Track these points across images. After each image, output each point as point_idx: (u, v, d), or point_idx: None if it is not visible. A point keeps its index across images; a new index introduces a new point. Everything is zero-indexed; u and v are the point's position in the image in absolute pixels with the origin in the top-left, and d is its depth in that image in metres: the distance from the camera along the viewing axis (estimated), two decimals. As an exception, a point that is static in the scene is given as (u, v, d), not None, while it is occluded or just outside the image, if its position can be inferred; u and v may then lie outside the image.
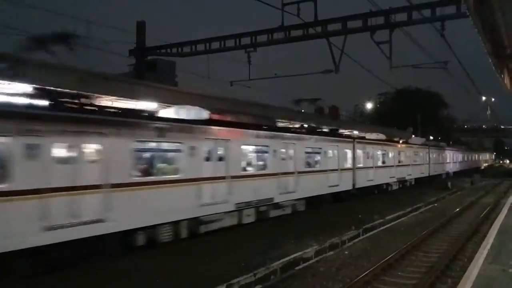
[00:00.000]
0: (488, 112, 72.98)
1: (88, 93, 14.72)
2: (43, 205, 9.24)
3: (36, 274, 9.25)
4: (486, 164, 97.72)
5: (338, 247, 13.87)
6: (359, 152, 25.81)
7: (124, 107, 14.72)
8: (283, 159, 18.04)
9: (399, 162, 33.00)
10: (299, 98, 27.03)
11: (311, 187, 19.86)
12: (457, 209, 23.07)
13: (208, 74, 23.04)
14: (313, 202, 20.14)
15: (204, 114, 14.45)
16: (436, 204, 26.04)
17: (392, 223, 18.64)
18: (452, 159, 55.96)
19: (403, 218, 20.19)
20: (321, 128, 24.04)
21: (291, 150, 18.64)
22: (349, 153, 24.58)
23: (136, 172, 11.76)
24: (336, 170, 22.53)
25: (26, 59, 13.65)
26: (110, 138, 10.78)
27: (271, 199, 16.97)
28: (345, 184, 23.58)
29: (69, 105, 10.89)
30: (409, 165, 35.49)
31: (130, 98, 15.97)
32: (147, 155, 12.52)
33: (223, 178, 14.53)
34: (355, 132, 30.63)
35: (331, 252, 13.18)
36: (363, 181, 25.95)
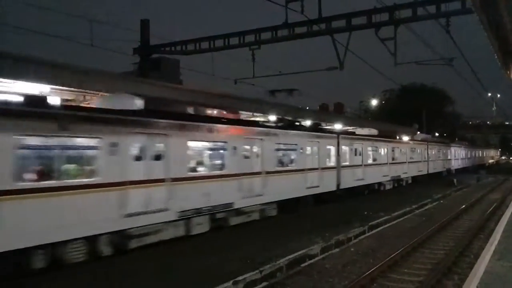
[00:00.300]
0: (494, 108, 72.58)
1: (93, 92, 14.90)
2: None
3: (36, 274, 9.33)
4: (492, 161, 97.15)
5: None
6: (344, 148, 23.63)
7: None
8: (247, 157, 15.90)
9: (393, 159, 31.13)
10: (274, 89, 24.25)
11: (284, 189, 17.61)
12: (463, 206, 22.98)
13: (213, 72, 23.05)
14: (287, 205, 17.98)
15: (136, 103, 12.26)
16: (442, 201, 25.95)
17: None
18: (454, 156, 53.63)
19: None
20: (299, 122, 21.42)
21: (257, 147, 16.47)
22: (332, 150, 22.38)
23: (22, 175, 9.22)
24: (316, 169, 20.35)
25: (31, 57, 13.76)
26: None
27: (230, 204, 14.74)
28: (327, 184, 21.33)
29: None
30: (404, 162, 33.66)
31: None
32: (45, 153, 9.84)
33: (161, 181, 12.12)
34: (339, 127, 27.28)
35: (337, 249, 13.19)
36: (349, 181, 23.75)
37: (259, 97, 24.03)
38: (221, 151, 14.90)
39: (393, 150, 31.27)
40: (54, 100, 11.18)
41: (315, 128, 22.22)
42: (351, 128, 30.15)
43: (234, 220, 15.15)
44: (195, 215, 13.32)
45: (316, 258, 12.11)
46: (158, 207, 11.95)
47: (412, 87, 67.00)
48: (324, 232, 14.34)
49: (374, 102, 66.89)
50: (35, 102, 9.95)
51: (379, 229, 16.62)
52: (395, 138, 33.12)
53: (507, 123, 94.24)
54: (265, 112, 21.54)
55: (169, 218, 12.36)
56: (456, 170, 52.88)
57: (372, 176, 27.11)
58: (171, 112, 13.46)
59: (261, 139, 16.60)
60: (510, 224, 13.92)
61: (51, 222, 9.41)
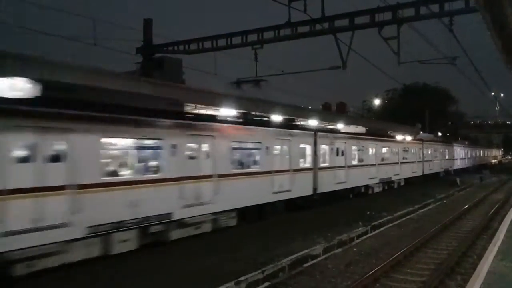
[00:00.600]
0: (497, 107, 72.40)
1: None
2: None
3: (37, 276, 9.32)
4: (495, 161, 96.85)
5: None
6: (323, 148, 21.19)
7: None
8: (192, 158, 13.52)
9: (382, 160, 28.59)
10: (240, 78, 21.76)
11: (244, 194, 15.30)
12: (466, 206, 22.91)
13: (215, 72, 23.02)
14: (249, 213, 15.92)
15: (27, 89, 9.48)
16: (444, 200, 25.88)
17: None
18: (453, 156, 51.06)
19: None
20: (266, 117, 18.18)
21: (207, 146, 14.16)
22: (308, 149, 19.93)
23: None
24: (287, 171, 17.93)
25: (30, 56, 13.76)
26: None
27: (168, 215, 12.24)
28: (301, 188, 18.93)
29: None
30: (396, 163, 31.19)
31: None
32: None
33: (60, 189, 9.77)
34: (314, 123, 23.64)
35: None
36: (329, 184, 21.26)
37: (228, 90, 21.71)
38: (156, 150, 12.46)
39: (382, 150, 29.00)
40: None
41: (287, 124, 19.19)
42: (335, 125, 26.93)
43: (176, 234, 12.73)
44: (115, 229, 10.87)
45: (319, 258, 12.09)
46: (55, 221, 9.53)
47: (415, 87, 66.86)
48: (326, 232, 14.33)
49: (377, 102, 66.78)
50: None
51: (382, 229, 16.58)
52: (386, 136, 30.79)
53: (511, 122, 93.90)
54: (218, 105, 17.98)
55: (72, 236, 9.92)
56: (455, 170, 50.79)
57: (357, 179, 24.53)
58: (83, 100, 10.74)
59: (212, 136, 14.22)
60: (514, 224, 13.86)
61: None
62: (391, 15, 17.32)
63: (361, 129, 26.48)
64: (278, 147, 17.62)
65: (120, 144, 11.75)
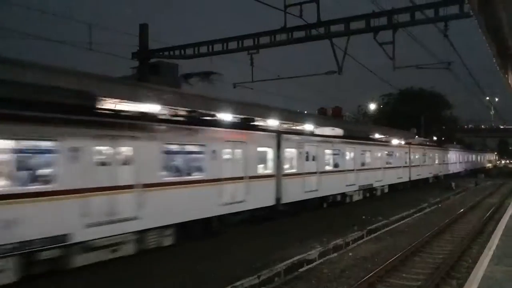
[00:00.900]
0: (492, 112, 72.92)
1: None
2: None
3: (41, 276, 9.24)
4: (489, 165, 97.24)
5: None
6: (290, 151, 18.63)
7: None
8: (104, 164, 10.84)
9: (362, 165, 25.86)
10: (188, 72, 19.59)
11: (183, 207, 12.75)
12: (461, 210, 22.97)
13: (211, 77, 23.04)
14: (192, 229, 13.30)
15: None
16: (438, 203, 25.94)
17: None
18: (443, 160, 48.00)
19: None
20: (213, 116, 15.85)
21: (126, 150, 11.49)
22: (270, 153, 17.36)
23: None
24: (241, 178, 15.23)
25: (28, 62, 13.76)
26: None
27: (65, 237, 9.66)
28: (259, 198, 16.22)
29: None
30: (379, 168, 28.21)
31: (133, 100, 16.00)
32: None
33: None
34: (275, 123, 22.74)
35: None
36: (296, 193, 18.69)
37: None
38: (49, 155, 9.82)
39: (362, 154, 26.22)
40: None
41: (242, 124, 16.94)
42: (304, 126, 25.51)
43: (81, 260, 10.21)
44: None
45: (314, 263, 12.08)
46: None
47: (410, 92, 67.16)
48: (322, 237, 14.32)
49: (372, 107, 67.02)
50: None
51: (377, 233, 16.60)
52: (368, 139, 28.44)
53: (501, 126, 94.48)
54: (142, 100, 15.87)
55: None
56: (446, 176, 48.05)
57: (332, 186, 21.87)
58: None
59: (133, 137, 11.54)
60: (508, 228, 13.91)
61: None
62: (386, 20, 17.41)
63: (338, 131, 24.26)
64: (228, 150, 14.92)
65: None
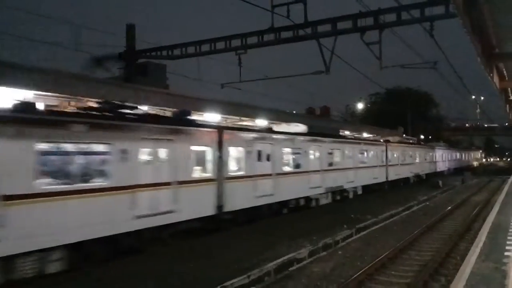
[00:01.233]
0: (478, 110, 73.87)
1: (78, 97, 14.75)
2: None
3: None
4: (476, 163, 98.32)
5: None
6: (236, 151, 16.24)
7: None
8: None
9: (330, 165, 23.34)
10: (98, 55, 17.31)
11: (71, 224, 10.01)
12: (449, 208, 23.22)
13: (199, 77, 23.02)
14: (93, 250, 10.71)
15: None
16: (428, 203, 26.17)
17: None
18: (424, 159, 45.51)
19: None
20: (134, 108, 12.95)
21: None
22: (209, 153, 14.74)
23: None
24: (167, 184, 12.64)
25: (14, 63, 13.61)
26: None
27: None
28: (194, 207, 13.61)
29: None
30: (350, 168, 25.69)
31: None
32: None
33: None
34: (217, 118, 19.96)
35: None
36: (245, 199, 16.21)
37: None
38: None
39: (330, 153, 23.68)
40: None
41: (171, 119, 14.59)
42: (261, 122, 22.47)
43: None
44: None
45: (304, 262, 12.12)
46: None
47: (397, 91, 67.78)
48: (311, 236, 14.37)
49: (360, 106, 67.45)
50: None
51: (366, 231, 16.72)
52: (337, 137, 25.81)
53: (491, 125, 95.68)
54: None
55: None
56: (428, 175, 45.70)
57: (291, 189, 19.34)
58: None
59: None
60: (495, 225, 14.10)
61: None
62: (373, 21, 17.55)
63: (301, 127, 21.60)
64: (146, 150, 12.36)
65: None
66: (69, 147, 10.31)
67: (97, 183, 10.84)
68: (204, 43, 21.75)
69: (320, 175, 21.91)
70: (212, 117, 19.15)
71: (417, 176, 41.65)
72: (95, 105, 12.01)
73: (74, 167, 10.39)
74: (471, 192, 33.32)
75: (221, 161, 15.02)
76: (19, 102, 9.92)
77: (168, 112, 16.69)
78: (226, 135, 15.54)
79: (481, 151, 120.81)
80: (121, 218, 11.25)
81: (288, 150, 19.68)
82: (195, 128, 14.40)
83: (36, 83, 13.10)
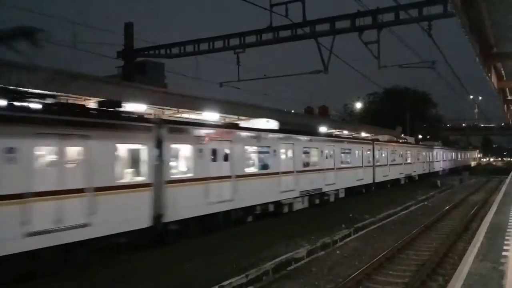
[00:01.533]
0: (476, 110, 74.05)
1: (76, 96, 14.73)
2: None
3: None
4: (473, 163, 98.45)
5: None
6: (181, 149, 14.04)
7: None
8: None
9: (306, 165, 21.02)
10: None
11: None
12: (447, 207, 23.23)
13: (198, 76, 23.00)
14: None
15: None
16: (426, 202, 26.20)
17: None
18: (417, 159, 43.28)
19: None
20: (43, 97, 10.50)
21: None
22: (143, 152, 12.30)
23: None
24: (79, 192, 10.29)
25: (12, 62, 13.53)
26: None
27: None
28: (119, 219, 11.06)
29: None
30: (331, 169, 23.30)
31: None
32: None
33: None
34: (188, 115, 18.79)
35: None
36: (194, 206, 13.76)
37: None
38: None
39: (307, 152, 21.40)
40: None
41: (96, 110, 11.89)
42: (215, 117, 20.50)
43: None
44: None
45: (302, 261, 12.11)
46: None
47: (395, 90, 67.89)
48: (310, 235, 14.37)
49: (358, 105, 67.54)
50: None
51: (364, 231, 16.72)
52: (314, 134, 23.25)
53: (486, 125, 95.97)
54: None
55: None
56: (421, 176, 43.77)
57: (257, 194, 17.00)
58: None
59: None
60: (493, 225, 14.10)
61: None
62: (371, 20, 17.57)
63: (272, 123, 19.60)
64: (47, 148, 10.02)
65: None
66: None
67: None
68: (202, 42, 21.76)
69: (294, 177, 19.57)
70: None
71: (409, 177, 39.48)
72: None
73: None
74: (469, 191, 33.33)
75: (161, 162, 12.69)
76: None
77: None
78: (169, 130, 13.15)
79: (477, 150, 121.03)
80: (8, 235, 8.79)
81: (253, 148, 17.34)
82: (124, 122, 11.76)
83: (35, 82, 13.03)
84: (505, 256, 9.68)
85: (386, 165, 33.22)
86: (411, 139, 45.82)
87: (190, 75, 22.86)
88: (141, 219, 11.85)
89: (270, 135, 18.48)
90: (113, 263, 11.02)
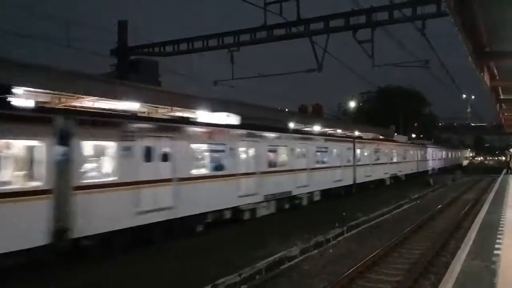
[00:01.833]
0: (469, 109, 74.53)
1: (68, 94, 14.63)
2: None
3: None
4: (466, 162, 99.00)
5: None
6: (98, 147, 11.62)
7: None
8: None
9: (271, 165, 18.60)
10: None
11: None
12: (439, 206, 23.36)
13: (192, 74, 22.95)
14: None
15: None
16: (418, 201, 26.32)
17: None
18: (404, 158, 41.06)
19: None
20: None
21: None
22: (39, 150, 9.89)
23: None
24: None
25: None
26: None
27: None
28: (9, 237, 8.93)
29: None
30: (303, 170, 20.94)
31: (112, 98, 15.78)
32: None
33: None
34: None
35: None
36: (116, 217, 11.32)
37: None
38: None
39: (272, 151, 18.99)
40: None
41: None
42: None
43: None
44: None
45: (296, 260, 12.12)
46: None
47: (389, 89, 68.08)
48: (303, 234, 14.38)
49: (352, 104, 67.67)
50: None
51: (357, 229, 16.76)
52: (284, 131, 20.90)
53: (477, 123, 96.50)
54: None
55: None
56: (408, 176, 41.73)
57: (207, 199, 14.55)
58: None
59: None
60: (485, 223, 14.18)
61: None
62: (365, 19, 17.60)
63: (232, 118, 17.25)
64: None
65: None
66: None
67: None
68: (196, 40, 21.72)
69: (256, 179, 17.22)
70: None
71: (395, 177, 37.39)
72: None
73: None
74: (462, 190, 33.54)
75: (67, 163, 10.30)
76: None
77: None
78: (79, 123, 10.78)
79: (469, 149, 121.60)
80: None
81: (203, 146, 14.99)
82: (9, 112, 9.62)
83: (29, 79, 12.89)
84: (497, 255, 9.72)
85: (369, 164, 31.01)
86: (404, 138, 45.86)
87: (182, 73, 22.84)
88: (34, 236, 9.37)
89: (227, 131, 16.25)
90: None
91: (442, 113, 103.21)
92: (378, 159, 33.20)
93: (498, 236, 11.83)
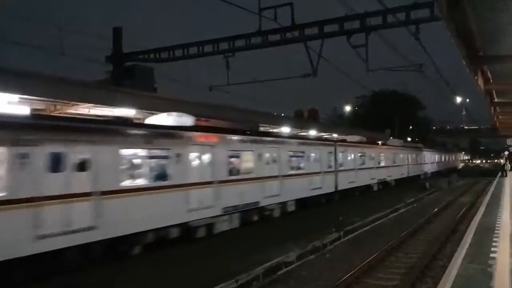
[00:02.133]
0: (463, 113, 74.92)
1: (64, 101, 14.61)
2: None
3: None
4: (461, 165, 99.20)
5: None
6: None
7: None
8: None
9: (233, 173, 16.34)
10: None
11: None
12: (435, 209, 23.39)
13: (187, 80, 22.98)
14: None
15: None
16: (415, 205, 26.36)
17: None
18: (394, 162, 38.74)
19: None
20: None
21: None
22: None
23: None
24: None
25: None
26: None
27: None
28: None
29: None
30: (273, 177, 18.68)
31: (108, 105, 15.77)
32: None
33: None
34: None
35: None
36: (11, 244, 8.82)
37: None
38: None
39: (235, 157, 16.70)
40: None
41: None
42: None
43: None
44: None
45: (293, 266, 12.09)
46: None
47: (384, 93, 68.32)
48: (300, 239, 14.34)
49: (347, 109, 67.84)
50: None
51: (354, 234, 16.75)
52: (253, 133, 18.39)
53: (475, 127, 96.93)
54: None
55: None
56: (398, 181, 39.34)
57: (145, 216, 12.10)
58: None
59: None
60: (481, 226, 14.20)
61: None
62: (359, 24, 17.69)
63: (184, 119, 15.02)
64: None
65: None
66: None
67: None
68: (191, 46, 21.76)
69: (213, 190, 14.91)
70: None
71: (383, 182, 35.34)
72: None
73: None
74: (457, 194, 33.61)
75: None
76: None
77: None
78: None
79: (463, 152, 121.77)
80: None
81: (139, 152, 12.63)
82: None
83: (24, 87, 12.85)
84: (494, 258, 9.74)
85: (353, 169, 28.49)
86: (399, 142, 45.93)
87: (181, 80, 22.86)
88: None
89: (172, 134, 13.88)
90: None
91: (436, 116, 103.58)
92: (364, 164, 30.88)
93: (495, 239, 11.84)
